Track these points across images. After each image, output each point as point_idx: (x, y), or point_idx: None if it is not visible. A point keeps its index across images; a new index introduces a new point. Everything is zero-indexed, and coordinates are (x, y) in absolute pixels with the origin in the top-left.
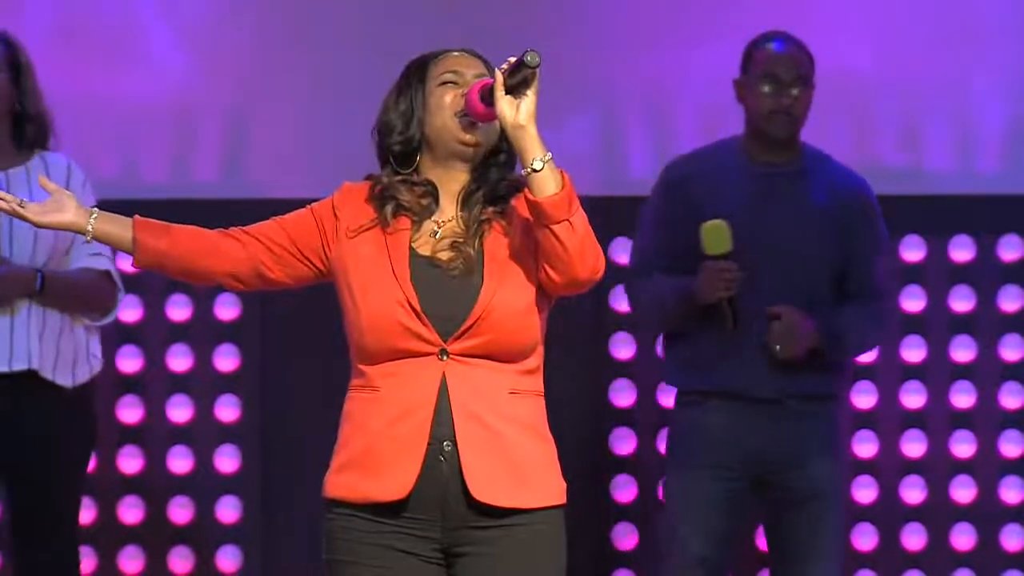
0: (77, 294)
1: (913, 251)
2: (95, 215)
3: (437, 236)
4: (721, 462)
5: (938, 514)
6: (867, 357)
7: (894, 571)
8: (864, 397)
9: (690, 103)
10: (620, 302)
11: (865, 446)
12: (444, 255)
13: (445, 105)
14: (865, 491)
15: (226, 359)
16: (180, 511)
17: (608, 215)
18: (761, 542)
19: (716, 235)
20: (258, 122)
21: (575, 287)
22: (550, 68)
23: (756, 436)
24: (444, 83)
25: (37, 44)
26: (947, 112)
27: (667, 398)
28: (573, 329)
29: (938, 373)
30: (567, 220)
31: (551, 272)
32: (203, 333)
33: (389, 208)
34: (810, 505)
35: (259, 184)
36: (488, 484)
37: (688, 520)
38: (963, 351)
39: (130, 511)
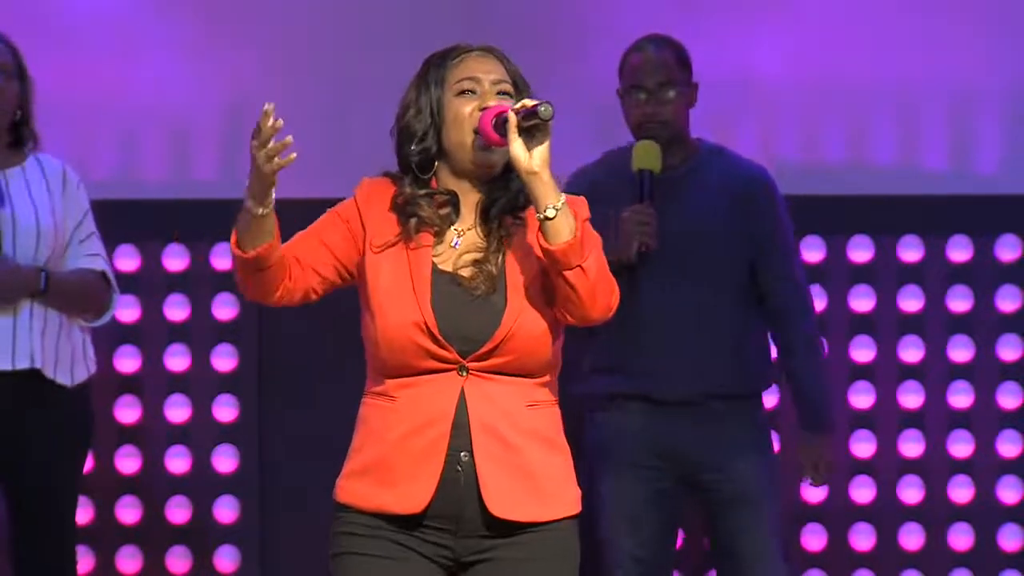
0: (77, 294)
1: (911, 251)
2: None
3: (457, 248)
4: (644, 462)
5: (936, 514)
6: (865, 356)
7: (892, 571)
8: (862, 397)
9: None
10: None
11: (863, 446)
12: (466, 272)
13: (463, 118)
14: (863, 491)
15: (224, 359)
16: (178, 511)
17: None
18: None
19: (646, 152)
20: (253, 121)
21: (589, 324)
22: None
23: (676, 438)
24: (462, 92)
25: (31, 42)
26: (942, 113)
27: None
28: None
29: (936, 373)
30: (579, 266)
31: (564, 313)
32: (201, 333)
33: (412, 223)
34: (738, 507)
35: None
36: (505, 499)
37: (617, 522)
38: (961, 351)
39: (128, 511)
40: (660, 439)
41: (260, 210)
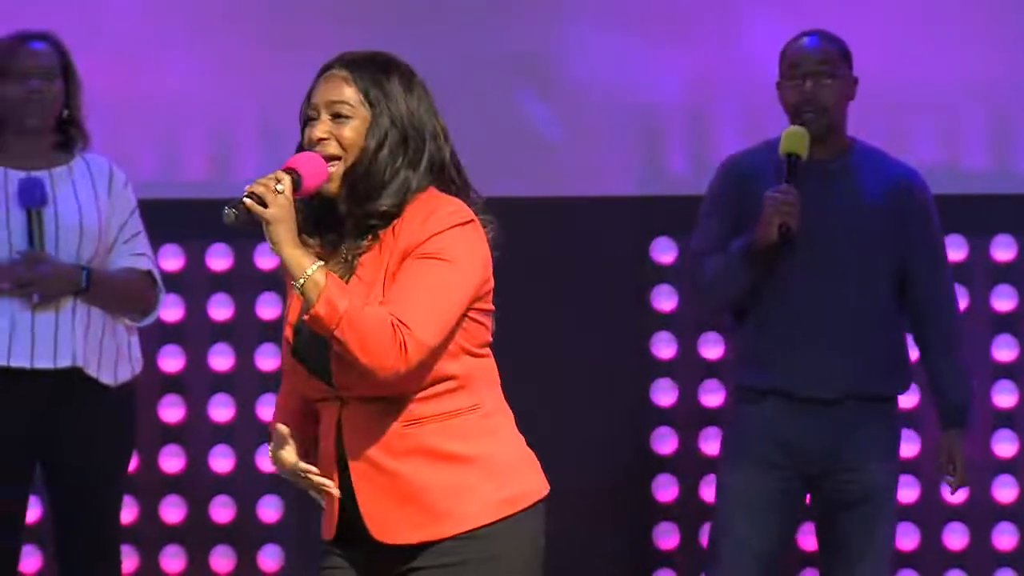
0: (121, 292)
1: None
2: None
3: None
4: (776, 460)
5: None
6: None
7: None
8: None
9: (730, 103)
10: (661, 301)
11: (908, 446)
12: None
13: (303, 147)
14: (907, 491)
15: (268, 358)
16: (222, 510)
17: (648, 214)
18: (803, 541)
19: (795, 137)
20: (295, 122)
21: (372, 378)
22: (595, 67)
23: (813, 436)
24: (307, 121)
25: (76, 41)
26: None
27: (708, 397)
28: (614, 329)
29: (980, 373)
30: (331, 335)
31: None
32: (245, 332)
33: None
34: (863, 506)
35: None
36: (386, 525)
37: (743, 516)
38: (1005, 350)
39: (172, 510)
40: (800, 437)
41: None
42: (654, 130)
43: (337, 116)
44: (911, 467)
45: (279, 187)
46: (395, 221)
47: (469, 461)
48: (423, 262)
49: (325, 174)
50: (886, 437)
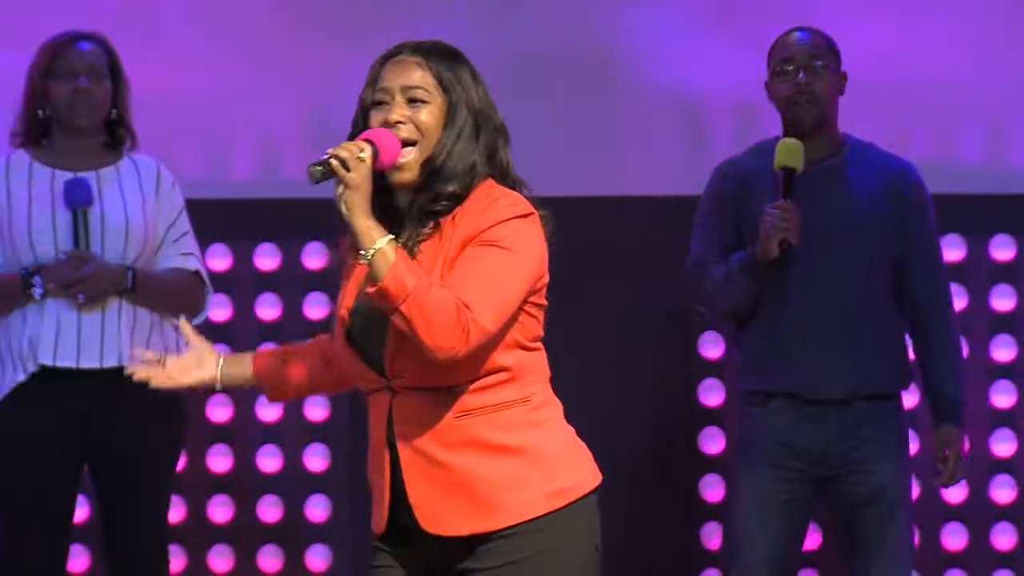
0: (167, 292)
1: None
2: (221, 362)
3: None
4: (785, 463)
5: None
6: None
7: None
8: None
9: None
10: None
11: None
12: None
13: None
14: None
15: None
16: (270, 510)
17: (692, 214)
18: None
19: (789, 150)
20: (345, 120)
21: (432, 359)
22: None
23: (820, 437)
24: (376, 105)
25: (126, 46)
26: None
27: None
28: (661, 327)
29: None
30: (397, 310)
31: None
32: (292, 332)
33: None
34: (873, 507)
35: None
36: (437, 517)
37: (754, 520)
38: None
39: (219, 510)
40: (808, 439)
41: (217, 389)
42: (701, 128)
43: (413, 100)
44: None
45: (361, 155)
46: (456, 208)
47: (520, 453)
48: (485, 249)
49: (398, 152)
50: (893, 436)
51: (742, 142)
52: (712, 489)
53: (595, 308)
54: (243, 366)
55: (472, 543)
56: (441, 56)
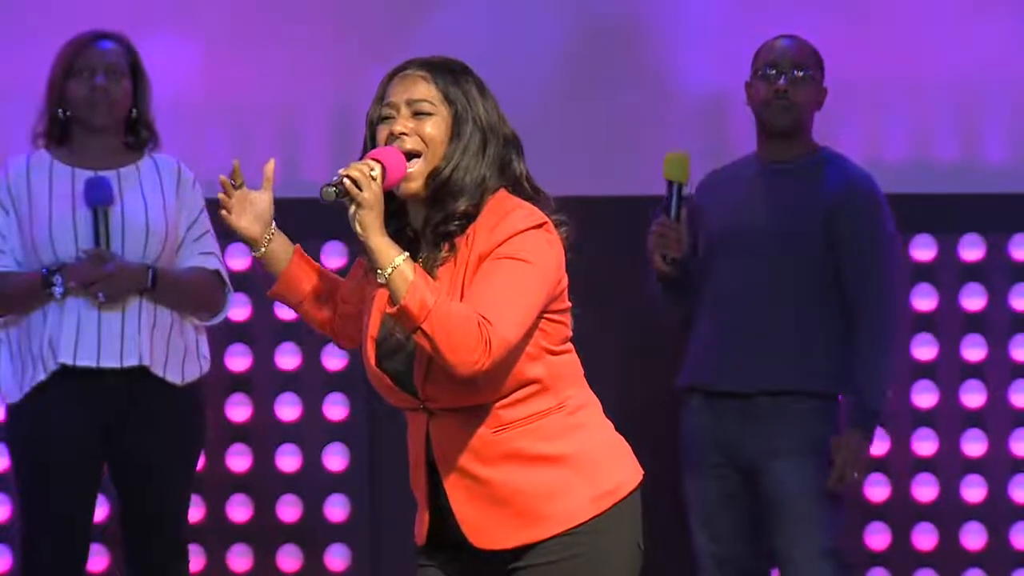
0: (188, 291)
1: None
2: (273, 229)
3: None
4: (709, 460)
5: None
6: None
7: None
8: None
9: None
10: None
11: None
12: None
13: (380, 144)
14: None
15: (335, 358)
16: (289, 509)
17: None
18: (870, 540)
19: (675, 163)
20: (362, 122)
21: (456, 376)
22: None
23: (729, 432)
24: (382, 119)
25: (149, 40)
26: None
27: None
28: (675, 328)
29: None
30: (419, 328)
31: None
32: (312, 332)
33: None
34: (781, 506)
35: None
36: (484, 532)
37: (697, 522)
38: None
39: (239, 509)
40: (719, 434)
41: (255, 252)
42: (720, 126)
43: (418, 113)
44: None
45: (372, 173)
46: (470, 226)
47: (560, 460)
48: (501, 262)
49: (404, 170)
50: (800, 434)
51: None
52: None
53: (612, 309)
54: (287, 250)
55: (519, 550)
56: (447, 70)
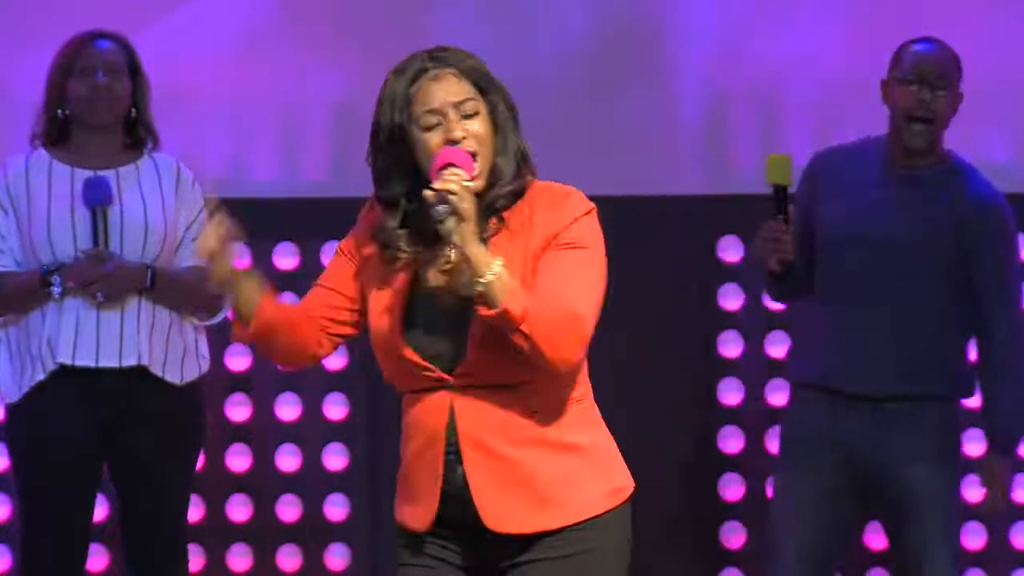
0: (187, 291)
1: None
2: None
3: (449, 263)
4: (822, 457)
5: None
6: None
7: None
8: None
9: (800, 100)
10: (726, 301)
11: None
12: (440, 287)
13: (432, 153)
14: None
15: (334, 357)
16: (288, 509)
17: (713, 214)
18: (870, 541)
19: (778, 166)
20: (368, 120)
21: (553, 372)
22: (649, 65)
23: (851, 433)
24: (428, 128)
25: (148, 42)
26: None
27: (775, 396)
28: (679, 328)
29: None
30: (517, 330)
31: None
32: None
33: (389, 253)
34: (913, 512)
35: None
36: (503, 514)
37: (786, 518)
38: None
39: (238, 509)
40: (840, 432)
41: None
42: (722, 128)
43: (466, 114)
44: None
45: (467, 183)
46: (520, 203)
47: (580, 451)
48: (571, 252)
49: (472, 168)
50: (930, 438)
51: (759, 140)
52: (731, 488)
53: (612, 309)
54: (256, 295)
55: (528, 539)
56: (465, 60)
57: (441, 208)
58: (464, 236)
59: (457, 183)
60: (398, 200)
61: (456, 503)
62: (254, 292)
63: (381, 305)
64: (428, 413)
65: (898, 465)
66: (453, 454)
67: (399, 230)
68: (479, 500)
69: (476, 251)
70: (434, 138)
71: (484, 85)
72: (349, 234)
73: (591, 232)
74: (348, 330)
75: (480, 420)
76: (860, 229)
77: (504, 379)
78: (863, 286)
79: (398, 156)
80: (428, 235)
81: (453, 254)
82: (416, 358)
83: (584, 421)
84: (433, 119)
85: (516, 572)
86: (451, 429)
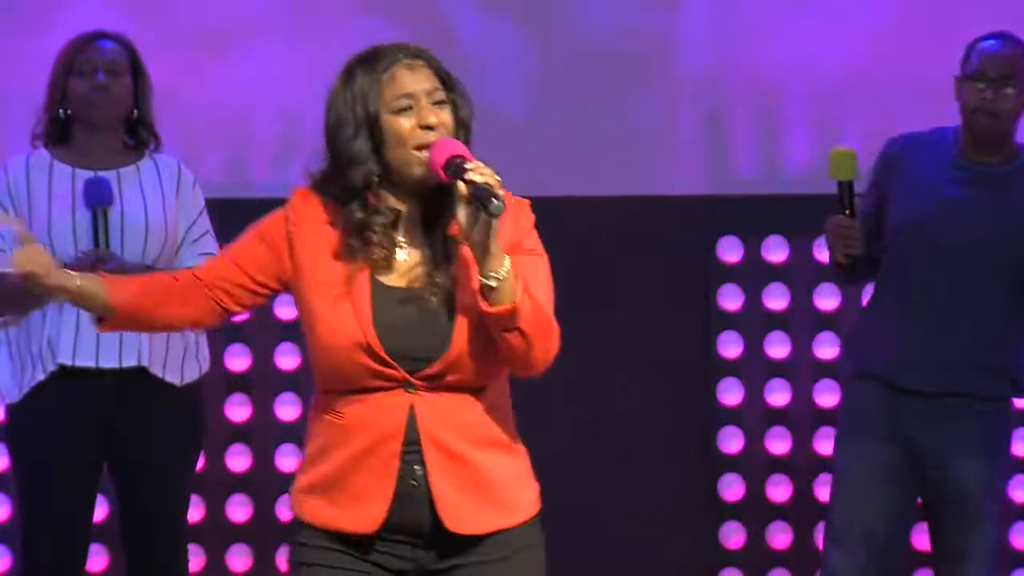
0: None
1: None
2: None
3: (406, 262)
4: (884, 433)
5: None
6: None
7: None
8: None
9: (799, 101)
10: (726, 301)
11: None
12: (419, 286)
13: (405, 137)
14: None
15: None
16: (288, 509)
17: (713, 214)
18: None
19: (842, 161)
20: None
21: (529, 376)
22: (656, 67)
23: (904, 425)
24: (399, 111)
25: (148, 41)
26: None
27: (774, 397)
28: (680, 328)
29: None
30: (517, 328)
31: (509, 363)
32: None
33: (356, 242)
34: (954, 505)
35: None
36: (461, 515)
37: (847, 493)
38: None
39: (238, 509)
40: (896, 419)
41: (62, 297)
42: (721, 128)
43: (436, 103)
44: None
45: (497, 176)
46: None
47: (519, 452)
48: (532, 259)
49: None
50: (981, 436)
51: (759, 142)
52: (730, 488)
53: (613, 309)
54: (97, 284)
55: (470, 539)
56: (432, 56)
57: (496, 201)
58: (493, 229)
59: (492, 174)
60: (359, 191)
61: (409, 503)
62: (95, 287)
63: (337, 303)
64: (379, 413)
65: (948, 462)
66: (412, 454)
67: (374, 216)
68: (441, 501)
69: (496, 247)
70: (406, 122)
71: (450, 85)
72: (272, 219)
73: (538, 239)
74: (237, 309)
75: (441, 421)
76: (928, 223)
77: (473, 381)
78: (926, 280)
79: (363, 147)
80: (406, 223)
81: (473, 246)
82: (384, 355)
83: (511, 421)
84: (404, 103)
85: (461, 573)
86: (410, 429)
